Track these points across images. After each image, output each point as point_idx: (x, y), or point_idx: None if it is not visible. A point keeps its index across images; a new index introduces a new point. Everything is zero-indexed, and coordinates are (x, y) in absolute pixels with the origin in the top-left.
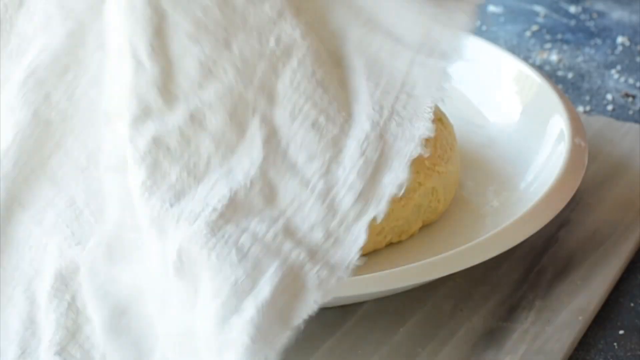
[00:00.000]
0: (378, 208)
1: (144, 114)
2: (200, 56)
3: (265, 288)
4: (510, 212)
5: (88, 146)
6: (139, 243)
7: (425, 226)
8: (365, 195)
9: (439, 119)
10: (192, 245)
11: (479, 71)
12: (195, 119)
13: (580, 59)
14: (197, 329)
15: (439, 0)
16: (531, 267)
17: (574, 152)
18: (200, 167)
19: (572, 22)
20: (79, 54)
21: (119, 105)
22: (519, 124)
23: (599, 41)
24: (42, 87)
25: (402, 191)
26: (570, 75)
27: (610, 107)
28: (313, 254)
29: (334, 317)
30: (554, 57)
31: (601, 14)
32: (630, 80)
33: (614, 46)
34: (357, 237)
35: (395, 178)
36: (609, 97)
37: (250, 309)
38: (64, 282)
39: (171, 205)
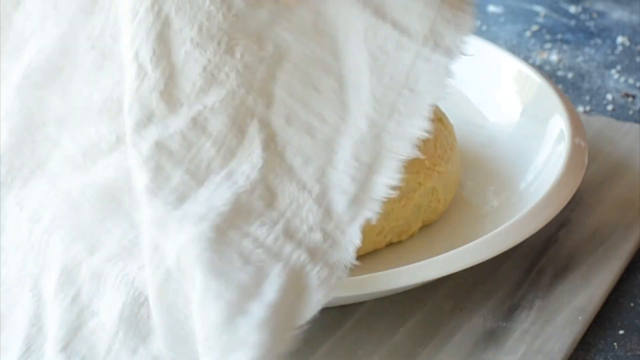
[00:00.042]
0: (371, 210)
1: (146, 118)
2: (203, 61)
3: (270, 290)
4: (510, 212)
5: (83, 144)
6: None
7: (425, 226)
8: (359, 197)
9: (439, 119)
10: (195, 247)
11: (479, 71)
12: (197, 123)
13: (580, 59)
14: (195, 329)
15: None
16: (531, 267)
17: (574, 152)
18: (201, 170)
19: (572, 22)
20: (71, 54)
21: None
22: (519, 124)
23: (599, 41)
24: (37, 89)
25: (395, 192)
26: (570, 75)
27: (610, 107)
28: (313, 255)
29: (334, 317)
30: (554, 57)
31: (601, 14)
32: (630, 80)
33: (614, 46)
34: (353, 238)
35: (387, 179)
36: (609, 97)
37: (257, 310)
38: (70, 277)
39: (174, 208)
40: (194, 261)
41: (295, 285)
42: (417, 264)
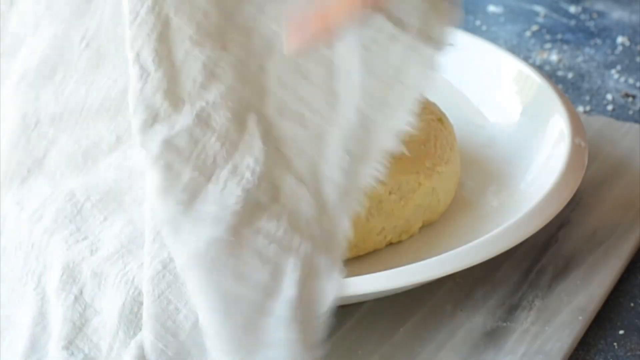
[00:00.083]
0: (358, 201)
1: (152, 118)
2: (202, 58)
3: (289, 285)
4: (510, 212)
5: (82, 144)
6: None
7: (425, 226)
8: (347, 189)
9: (439, 119)
10: (213, 251)
11: (479, 71)
12: (201, 119)
13: (580, 59)
14: (211, 328)
15: None
16: (531, 267)
17: (574, 152)
18: (208, 166)
19: (572, 22)
20: (65, 54)
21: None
22: (519, 124)
23: (599, 41)
24: (31, 89)
25: (377, 184)
26: (570, 75)
27: (610, 107)
28: (316, 245)
29: (334, 317)
30: (554, 57)
31: (601, 14)
32: (630, 80)
33: (614, 46)
34: (344, 229)
35: (372, 170)
36: (609, 97)
37: (280, 308)
38: (72, 276)
39: (186, 207)
40: (211, 265)
41: (310, 277)
42: (417, 264)
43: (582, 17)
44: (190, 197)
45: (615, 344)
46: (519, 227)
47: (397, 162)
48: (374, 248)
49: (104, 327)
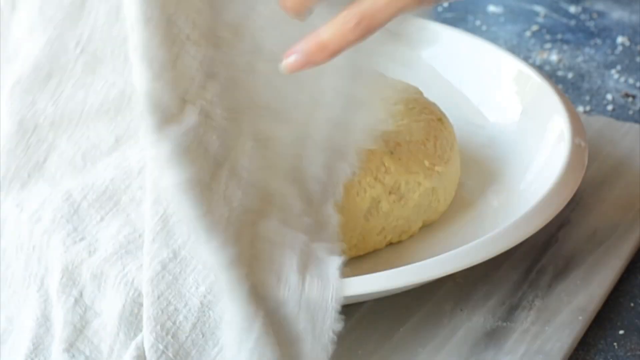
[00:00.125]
0: (336, 194)
1: (164, 118)
2: (200, 58)
3: (296, 280)
4: (510, 212)
5: (82, 146)
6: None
7: (425, 226)
8: (327, 184)
9: (439, 119)
10: (230, 270)
11: (479, 71)
12: (202, 118)
13: (580, 59)
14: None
15: None
16: (531, 267)
17: (574, 152)
18: (211, 165)
19: (572, 22)
20: (60, 59)
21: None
22: (519, 124)
23: (599, 41)
24: (28, 95)
25: (354, 176)
26: (570, 75)
27: (610, 107)
28: (309, 235)
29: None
30: (554, 57)
31: (601, 14)
32: (630, 80)
33: (614, 46)
34: (331, 218)
35: (348, 165)
36: (609, 97)
37: (292, 305)
38: (71, 278)
39: (202, 208)
40: (229, 282)
41: (311, 267)
42: (417, 264)
43: (582, 17)
44: (203, 197)
45: (615, 344)
46: (519, 227)
47: (397, 162)
48: (374, 248)
49: (104, 329)
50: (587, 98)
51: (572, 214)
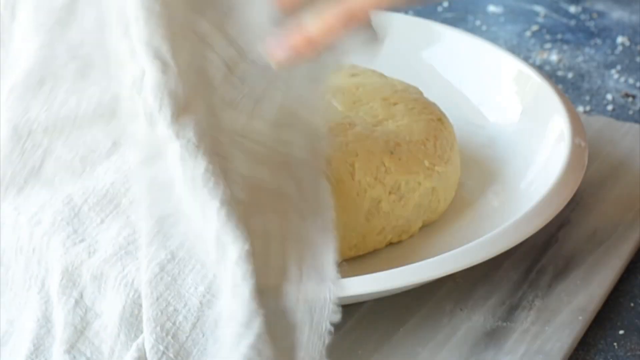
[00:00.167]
0: (325, 175)
1: (180, 108)
2: (190, 50)
3: (294, 271)
4: (510, 212)
5: (79, 150)
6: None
7: (425, 226)
8: (314, 167)
9: (439, 119)
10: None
11: (479, 71)
12: (210, 107)
13: (580, 59)
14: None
15: None
16: (531, 267)
17: (574, 152)
18: (224, 151)
19: (572, 22)
20: (52, 65)
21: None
22: (519, 124)
23: (599, 41)
24: (21, 101)
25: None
26: (570, 75)
27: (610, 107)
28: (307, 225)
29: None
30: (554, 57)
31: (601, 14)
32: (630, 80)
33: (614, 46)
34: (325, 201)
35: (325, 144)
36: (609, 97)
37: (292, 296)
38: (71, 280)
39: (227, 196)
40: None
41: (307, 257)
42: (417, 264)
43: (582, 17)
44: (222, 185)
45: (615, 344)
46: (519, 227)
47: (397, 162)
48: (374, 248)
49: (105, 330)
50: (587, 98)
51: (572, 214)
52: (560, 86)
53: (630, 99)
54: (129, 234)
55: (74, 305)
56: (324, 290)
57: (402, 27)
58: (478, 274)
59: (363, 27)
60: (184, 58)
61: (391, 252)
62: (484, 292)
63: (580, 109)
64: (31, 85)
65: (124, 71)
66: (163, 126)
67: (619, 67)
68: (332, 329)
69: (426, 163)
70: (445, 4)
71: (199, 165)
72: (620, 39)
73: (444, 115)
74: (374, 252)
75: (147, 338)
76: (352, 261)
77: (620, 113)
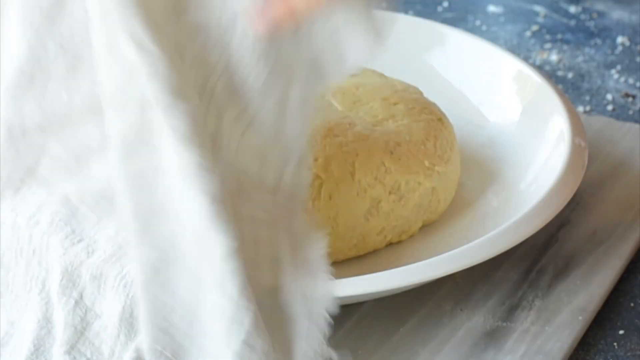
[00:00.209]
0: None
1: (177, 96)
2: (172, 36)
3: (288, 263)
4: (510, 212)
5: (74, 148)
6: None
7: (425, 226)
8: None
9: (439, 119)
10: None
11: (479, 71)
12: (202, 92)
13: (580, 59)
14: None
15: None
16: (531, 267)
17: (574, 152)
18: (213, 139)
19: (572, 22)
20: (42, 62)
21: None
22: (519, 124)
23: (599, 41)
24: (14, 101)
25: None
26: (570, 75)
27: (610, 107)
28: (290, 198)
29: (334, 317)
30: (554, 57)
31: (601, 14)
32: (630, 80)
33: (614, 46)
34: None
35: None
36: (609, 97)
37: (286, 289)
38: (71, 280)
39: (215, 192)
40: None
41: (298, 247)
42: (417, 264)
43: (582, 17)
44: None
45: (615, 344)
46: (519, 227)
47: (397, 162)
48: (374, 248)
49: (105, 331)
50: (587, 98)
51: (572, 214)
52: (560, 86)
53: (630, 99)
54: (127, 234)
55: (74, 305)
56: (318, 280)
57: (402, 27)
58: (478, 274)
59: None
60: (168, 47)
61: (391, 252)
62: (484, 292)
63: (580, 109)
64: (23, 83)
65: (110, 61)
66: (160, 112)
67: (619, 67)
68: (331, 321)
69: (426, 163)
70: (445, 4)
71: (191, 157)
72: (620, 39)
73: (444, 115)
74: (374, 252)
75: (144, 339)
76: (352, 261)
77: (620, 113)
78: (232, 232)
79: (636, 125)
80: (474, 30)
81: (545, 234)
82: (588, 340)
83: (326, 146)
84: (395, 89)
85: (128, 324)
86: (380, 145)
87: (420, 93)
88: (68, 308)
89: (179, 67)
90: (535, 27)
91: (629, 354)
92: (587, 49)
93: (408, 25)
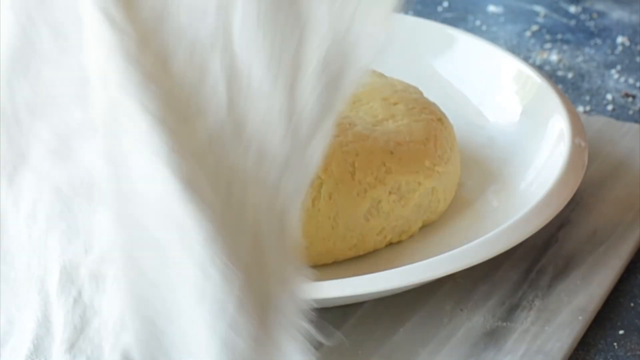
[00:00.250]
0: (338, 107)
1: (143, 74)
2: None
3: (268, 237)
4: (510, 212)
5: (62, 132)
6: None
7: (425, 226)
8: (328, 102)
9: (439, 119)
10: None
11: (479, 71)
12: (166, 67)
13: (580, 59)
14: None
15: None
16: (531, 267)
17: (574, 152)
18: (181, 112)
19: (572, 22)
20: (36, 46)
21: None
22: (519, 124)
23: (599, 41)
24: (8, 86)
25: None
26: (570, 75)
27: (610, 107)
28: (285, 165)
29: (334, 317)
30: (554, 57)
31: (601, 14)
32: (630, 80)
33: (614, 46)
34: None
35: (352, 81)
36: (609, 97)
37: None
38: (69, 278)
39: (189, 177)
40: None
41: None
42: (417, 264)
43: (582, 17)
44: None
45: (615, 344)
46: (519, 227)
47: (397, 162)
48: (374, 248)
49: (105, 328)
50: (587, 98)
51: (572, 214)
52: (560, 86)
53: (630, 99)
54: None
55: (73, 303)
56: (298, 263)
57: (402, 27)
58: (478, 274)
59: None
60: (141, 26)
61: (391, 252)
62: (484, 292)
63: (580, 109)
64: (17, 69)
65: (93, 40)
66: (130, 89)
67: (619, 67)
68: (313, 302)
69: (426, 163)
70: (445, 4)
71: (162, 142)
72: (620, 39)
73: (444, 115)
74: (374, 252)
75: (129, 329)
76: (352, 261)
77: (620, 113)
78: (209, 215)
79: (636, 125)
80: (474, 30)
81: (545, 234)
82: (588, 340)
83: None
84: (395, 89)
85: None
86: (380, 145)
87: (420, 93)
88: (67, 306)
89: (153, 49)
90: (535, 27)
91: (629, 354)
92: (587, 49)
93: (408, 25)
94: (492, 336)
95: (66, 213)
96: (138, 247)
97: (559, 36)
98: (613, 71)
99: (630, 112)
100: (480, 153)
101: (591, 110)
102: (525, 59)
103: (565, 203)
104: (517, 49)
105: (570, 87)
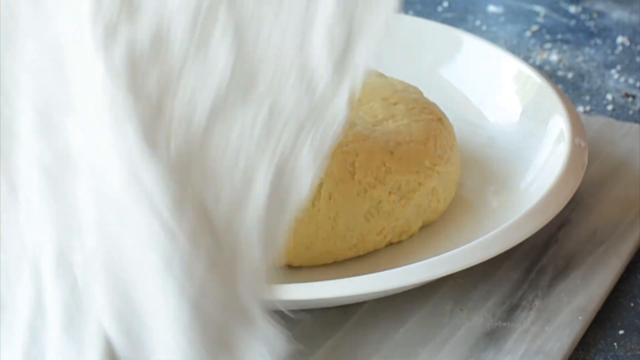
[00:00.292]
0: (355, 79)
1: (113, 28)
2: None
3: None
4: (510, 212)
5: (42, 105)
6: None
7: (425, 226)
8: (340, 69)
9: (439, 118)
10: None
11: (479, 71)
12: (161, 27)
13: (580, 59)
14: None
15: None
16: (531, 267)
17: (574, 152)
18: (176, 69)
19: (572, 22)
20: (20, 20)
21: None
22: (519, 124)
23: (599, 41)
24: None
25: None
26: (570, 75)
27: (610, 107)
28: (299, 132)
29: (334, 317)
30: (554, 57)
31: (601, 14)
32: (630, 80)
33: (614, 46)
34: (339, 112)
35: (367, 48)
36: (609, 97)
37: (249, 221)
38: (64, 263)
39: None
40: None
41: (284, 175)
42: (417, 264)
43: (582, 17)
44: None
45: (615, 344)
46: (519, 227)
47: (397, 162)
48: (374, 248)
49: (102, 312)
50: (587, 98)
51: (572, 214)
52: (560, 86)
53: (630, 99)
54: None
55: (69, 288)
56: (272, 230)
57: (402, 27)
58: (478, 274)
59: None
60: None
61: (391, 252)
62: (484, 292)
63: (580, 109)
64: (4, 43)
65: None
66: (94, 43)
67: (619, 67)
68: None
69: (426, 163)
70: (445, 4)
71: (115, 91)
72: (620, 39)
73: (444, 115)
74: (374, 252)
75: (105, 304)
76: (352, 261)
77: (620, 113)
78: (178, 181)
79: (636, 125)
80: (474, 30)
81: (545, 234)
82: (588, 340)
83: None
84: (395, 89)
85: None
86: (380, 145)
87: (420, 93)
88: (64, 290)
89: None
90: (535, 27)
91: (629, 354)
92: (587, 49)
93: (408, 25)
94: (492, 336)
95: (56, 196)
96: (110, 218)
97: (559, 36)
98: (613, 71)
99: (630, 112)
100: (480, 153)
101: (591, 110)
102: (525, 59)
103: (565, 203)
104: (517, 49)
105: (570, 87)
